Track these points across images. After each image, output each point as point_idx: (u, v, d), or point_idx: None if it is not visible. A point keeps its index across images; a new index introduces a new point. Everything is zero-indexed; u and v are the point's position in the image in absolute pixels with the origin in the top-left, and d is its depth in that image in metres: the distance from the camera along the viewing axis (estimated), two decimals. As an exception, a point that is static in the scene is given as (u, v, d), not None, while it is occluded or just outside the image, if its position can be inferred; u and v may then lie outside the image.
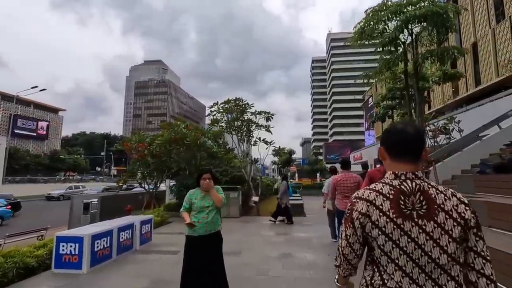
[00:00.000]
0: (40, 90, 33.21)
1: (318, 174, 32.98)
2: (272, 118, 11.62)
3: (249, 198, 10.95)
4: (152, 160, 10.70)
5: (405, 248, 0.98)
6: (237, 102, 10.72)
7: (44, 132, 68.28)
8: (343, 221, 1.14)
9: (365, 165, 8.05)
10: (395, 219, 1.00)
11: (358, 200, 1.10)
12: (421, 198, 1.01)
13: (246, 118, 11.43)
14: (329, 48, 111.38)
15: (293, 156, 34.35)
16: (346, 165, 5.23)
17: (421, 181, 1.05)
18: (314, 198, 23.92)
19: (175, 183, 11.38)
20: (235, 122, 11.56)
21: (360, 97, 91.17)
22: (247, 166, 11.26)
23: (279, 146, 10.47)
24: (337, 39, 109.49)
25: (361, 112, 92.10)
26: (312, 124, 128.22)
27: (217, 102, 10.69)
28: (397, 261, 0.99)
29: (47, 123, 69.33)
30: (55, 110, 75.38)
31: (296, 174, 35.86)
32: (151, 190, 11.56)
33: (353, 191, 4.61)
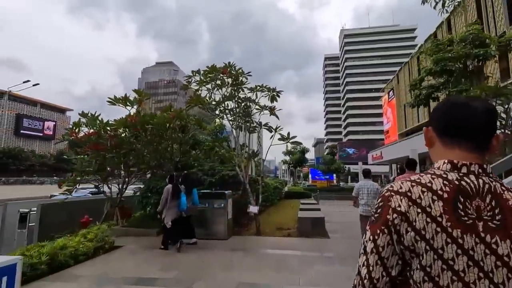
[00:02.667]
0: (33, 85, 31.11)
1: (334, 175, 29.29)
2: (279, 96, 8.26)
3: (246, 208, 7.61)
4: (109, 154, 7.55)
5: (462, 274, 0.66)
6: (229, 69, 7.39)
7: (51, 132, 67.34)
8: (368, 227, 0.77)
9: (367, 173, 6.37)
10: (449, 229, 0.68)
11: (393, 194, 0.75)
12: (493, 204, 0.70)
13: (242, 96, 8.13)
14: (343, 45, 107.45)
15: (306, 155, 30.86)
16: (412, 165, 4.96)
17: (492, 179, 0.73)
18: (334, 204, 20.34)
19: (143, 185, 8.17)
20: (228, 103, 8.28)
21: (376, 94, 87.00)
22: (244, 163, 7.93)
23: (289, 134, 6.82)
24: (350, 34, 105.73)
25: (377, 110, 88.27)
26: (325, 123, 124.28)
27: (199, 70, 7.44)
28: None
29: (54, 123, 68.38)
30: (62, 110, 74.62)
31: (310, 175, 32.25)
32: (115, 195, 8.40)
33: None
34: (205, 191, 6.98)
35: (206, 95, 8.17)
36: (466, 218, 0.69)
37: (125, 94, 6.89)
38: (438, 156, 0.82)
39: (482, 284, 0.65)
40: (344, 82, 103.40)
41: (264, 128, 7.86)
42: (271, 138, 7.77)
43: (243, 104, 8.36)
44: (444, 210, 0.69)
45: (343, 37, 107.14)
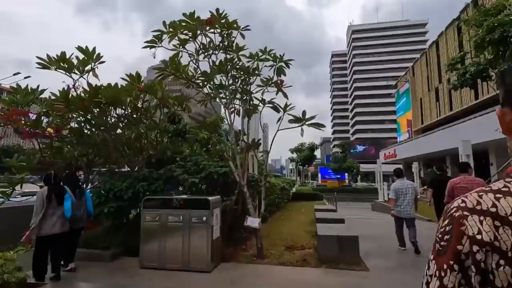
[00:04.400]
0: (25, 78, 29.35)
1: (346, 175, 26.85)
2: (288, 67, 5.97)
3: (243, 219, 5.33)
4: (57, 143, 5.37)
5: None
6: (216, 19, 5.09)
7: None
8: (432, 257, 0.58)
9: (399, 173, 6.04)
10: None
11: (468, 214, 0.53)
12: None
13: (239, 64, 5.87)
14: (350, 41, 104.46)
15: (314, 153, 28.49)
16: (465, 167, 4.99)
17: None
18: (350, 207, 17.79)
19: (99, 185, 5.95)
20: (221, 79, 6.03)
21: (385, 91, 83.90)
22: (241, 156, 5.67)
23: (304, 113, 4.41)
24: (358, 30, 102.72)
25: (386, 108, 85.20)
26: (331, 122, 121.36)
27: (172, 22, 5.14)
28: None
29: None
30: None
31: (319, 175, 29.85)
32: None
33: None
34: (181, 196, 4.73)
35: (189, 65, 5.92)
36: None
37: (62, 52, 4.67)
38: None
39: None
40: (352, 79, 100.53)
41: (268, 107, 5.59)
42: (278, 121, 5.49)
43: (240, 78, 6.10)
44: None
45: (351, 33, 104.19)
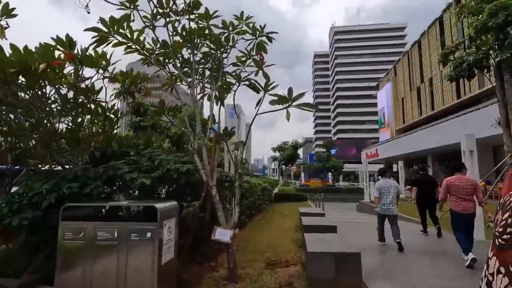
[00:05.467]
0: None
1: (329, 174, 26.16)
2: (271, 41, 4.77)
3: (211, 231, 4.07)
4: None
5: None
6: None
7: None
8: (491, 253, 0.56)
9: (383, 172, 6.28)
10: None
11: None
12: None
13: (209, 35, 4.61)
14: (333, 42, 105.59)
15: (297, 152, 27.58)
16: (460, 167, 5.17)
17: None
18: (336, 207, 16.77)
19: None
20: (189, 53, 4.75)
21: (366, 93, 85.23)
22: (209, 148, 4.42)
23: (291, 91, 3.18)
24: (340, 32, 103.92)
25: (368, 109, 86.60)
26: (314, 122, 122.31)
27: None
28: None
29: None
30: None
31: (302, 174, 29.01)
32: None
33: (470, 193, 4.67)
34: (115, 203, 3.41)
35: (143, 32, 4.58)
36: None
37: None
38: None
39: None
40: (334, 80, 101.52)
41: (245, 85, 4.38)
42: (257, 105, 4.27)
43: (211, 53, 4.84)
44: None
45: (333, 34, 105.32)
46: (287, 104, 3.68)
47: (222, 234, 3.97)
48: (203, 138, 4.30)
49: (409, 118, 32.83)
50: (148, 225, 3.02)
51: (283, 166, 30.71)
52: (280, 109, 3.78)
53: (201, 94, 4.99)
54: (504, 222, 0.54)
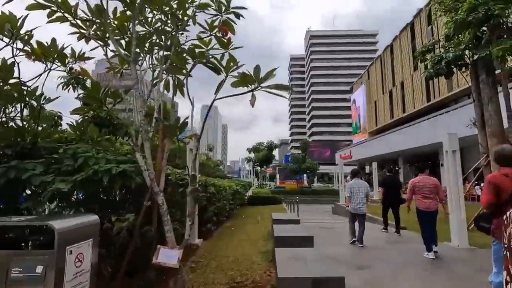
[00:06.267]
0: None
1: (305, 176, 25.79)
2: (239, 18, 3.89)
3: (153, 252, 3.11)
4: None
5: None
6: None
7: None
8: (504, 264, 0.70)
9: (355, 173, 6.64)
10: None
11: None
12: None
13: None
14: (308, 45, 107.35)
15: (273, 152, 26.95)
16: (424, 168, 5.57)
17: None
18: (311, 210, 16.27)
19: None
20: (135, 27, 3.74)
21: (341, 96, 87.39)
22: (148, 144, 3.43)
23: (259, 70, 2.28)
24: (316, 36, 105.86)
25: (342, 112, 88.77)
26: (290, 124, 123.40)
27: None
28: None
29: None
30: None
31: (278, 175, 28.44)
32: None
33: (432, 192, 5.19)
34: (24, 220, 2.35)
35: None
36: None
37: None
38: None
39: None
40: (310, 83, 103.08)
41: (202, 63, 3.47)
42: (217, 90, 3.37)
43: (164, 31, 3.86)
44: None
45: (309, 38, 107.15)
46: (253, 86, 2.83)
47: (168, 255, 3.02)
48: (147, 130, 3.33)
49: (382, 121, 33.52)
50: (40, 255, 2.01)
51: (258, 168, 29.96)
52: (245, 93, 2.92)
53: (157, 80, 4.01)
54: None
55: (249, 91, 2.86)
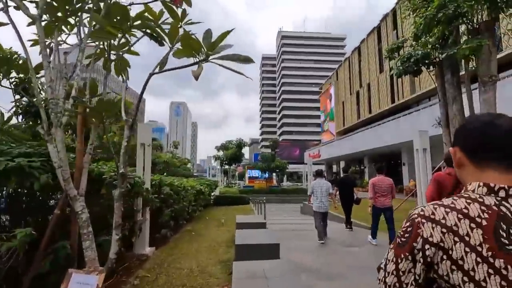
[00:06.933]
0: None
1: (274, 175, 25.45)
2: None
3: (62, 279, 2.30)
4: None
5: None
6: None
7: None
8: (391, 246, 0.77)
9: (319, 173, 6.99)
10: (491, 260, 0.63)
11: (425, 221, 0.71)
12: None
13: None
14: (280, 46, 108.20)
15: (243, 151, 26.31)
16: (381, 169, 6.20)
17: None
18: (278, 210, 15.88)
19: None
20: None
21: (311, 97, 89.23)
22: (61, 132, 2.58)
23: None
24: (287, 36, 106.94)
25: (311, 112, 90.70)
26: (260, 123, 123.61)
27: None
28: None
29: None
30: None
31: (247, 174, 27.81)
32: None
33: (388, 191, 5.77)
34: None
35: None
36: (510, 247, 0.64)
37: None
38: (469, 177, 0.77)
39: None
40: (281, 83, 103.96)
41: (141, 31, 2.70)
42: (160, 65, 2.62)
43: None
44: (484, 239, 0.65)
45: (281, 38, 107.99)
46: (202, 57, 2.13)
47: (83, 282, 2.22)
48: (59, 112, 2.47)
49: (349, 121, 34.36)
50: None
51: (227, 166, 29.12)
52: (191, 65, 2.21)
53: (95, 58, 3.13)
54: (404, 229, 0.74)
55: (196, 63, 2.15)
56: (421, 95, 21.57)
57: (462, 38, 8.00)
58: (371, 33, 28.82)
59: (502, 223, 0.65)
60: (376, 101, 27.96)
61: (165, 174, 14.55)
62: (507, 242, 0.63)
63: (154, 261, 4.86)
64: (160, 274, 4.29)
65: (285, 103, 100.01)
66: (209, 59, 2.10)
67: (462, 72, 8.82)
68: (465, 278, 0.63)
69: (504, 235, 0.64)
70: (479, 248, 0.64)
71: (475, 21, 7.60)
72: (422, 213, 0.72)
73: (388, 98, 25.96)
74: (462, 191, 0.77)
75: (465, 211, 0.68)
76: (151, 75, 2.46)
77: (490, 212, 0.67)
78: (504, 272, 0.62)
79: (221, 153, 26.63)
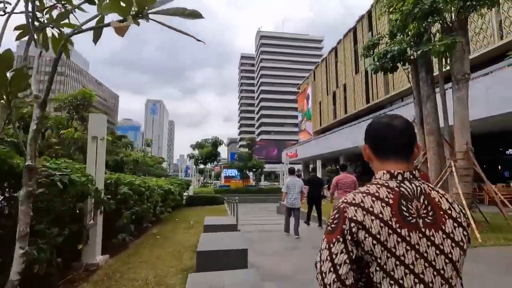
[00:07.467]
0: None
1: (251, 174, 25.01)
2: None
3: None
4: None
5: (412, 267, 0.77)
6: None
7: None
8: (324, 235, 0.84)
9: (292, 171, 7.39)
10: (398, 230, 0.79)
11: (348, 205, 0.83)
12: (425, 203, 0.84)
13: None
14: (259, 45, 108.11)
15: (219, 149, 25.64)
16: (344, 167, 7.19)
17: (420, 182, 0.88)
18: (253, 210, 15.44)
19: None
20: None
21: (288, 97, 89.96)
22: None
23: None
24: (266, 36, 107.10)
25: (288, 112, 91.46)
26: (239, 123, 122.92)
27: None
28: (401, 282, 0.76)
29: None
30: None
31: (223, 174, 27.14)
32: None
33: (351, 187, 6.27)
34: None
35: None
36: (410, 218, 0.79)
37: None
38: (377, 168, 0.92)
39: (429, 272, 0.77)
40: (259, 83, 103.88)
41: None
42: (95, 29, 2.06)
43: None
44: (392, 214, 0.79)
45: (260, 38, 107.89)
46: (133, 11, 1.61)
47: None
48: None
49: (326, 121, 34.71)
50: None
51: (202, 166, 28.28)
52: (121, 21, 1.68)
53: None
54: (332, 216, 0.84)
55: (124, 20, 1.62)
56: (395, 96, 22.11)
57: (436, 36, 8.00)
58: (347, 34, 29.24)
59: (402, 200, 0.81)
60: (352, 102, 28.41)
61: (136, 174, 13.61)
62: (407, 215, 0.80)
63: (104, 271, 4.22)
64: (109, 287, 3.68)
65: (263, 102, 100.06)
66: (145, 13, 1.59)
67: (436, 72, 8.89)
68: (382, 248, 0.77)
69: (405, 209, 0.80)
70: (390, 222, 0.78)
71: (448, 19, 7.65)
72: (345, 200, 0.84)
73: (363, 99, 26.43)
74: (373, 179, 0.91)
75: (377, 194, 0.83)
76: (69, 35, 1.90)
77: (394, 193, 0.83)
78: (408, 238, 0.78)
79: (196, 151, 25.78)
